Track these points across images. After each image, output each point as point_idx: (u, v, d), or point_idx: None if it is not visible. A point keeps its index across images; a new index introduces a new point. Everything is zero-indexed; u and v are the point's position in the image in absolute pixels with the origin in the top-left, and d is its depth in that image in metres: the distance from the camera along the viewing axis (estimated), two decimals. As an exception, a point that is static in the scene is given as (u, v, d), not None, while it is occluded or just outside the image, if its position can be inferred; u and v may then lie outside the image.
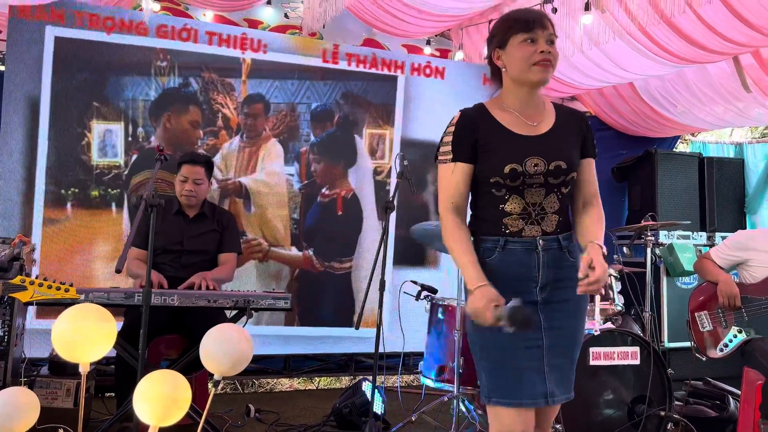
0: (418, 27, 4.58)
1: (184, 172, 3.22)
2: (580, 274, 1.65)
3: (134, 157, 4.06)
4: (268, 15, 4.67)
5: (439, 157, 1.80)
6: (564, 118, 1.84)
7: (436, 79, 4.76)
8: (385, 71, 4.60)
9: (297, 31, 4.67)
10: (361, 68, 4.56)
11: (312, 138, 4.47)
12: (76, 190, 3.92)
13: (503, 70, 1.79)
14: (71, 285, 2.56)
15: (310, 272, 4.45)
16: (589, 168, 1.85)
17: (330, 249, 4.49)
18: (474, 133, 1.76)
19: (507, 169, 1.71)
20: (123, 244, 3.83)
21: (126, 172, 4.05)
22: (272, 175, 4.37)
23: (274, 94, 4.37)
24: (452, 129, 1.78)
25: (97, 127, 3.97)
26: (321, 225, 4.49)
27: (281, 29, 4.67)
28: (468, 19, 4.68)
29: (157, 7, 4.22)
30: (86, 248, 3.91)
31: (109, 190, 3.98)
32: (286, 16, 4.74)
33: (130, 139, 4.04)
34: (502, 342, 1.70)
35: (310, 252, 4.44)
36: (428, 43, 5.02)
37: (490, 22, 4.48)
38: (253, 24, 4.65)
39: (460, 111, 1.81)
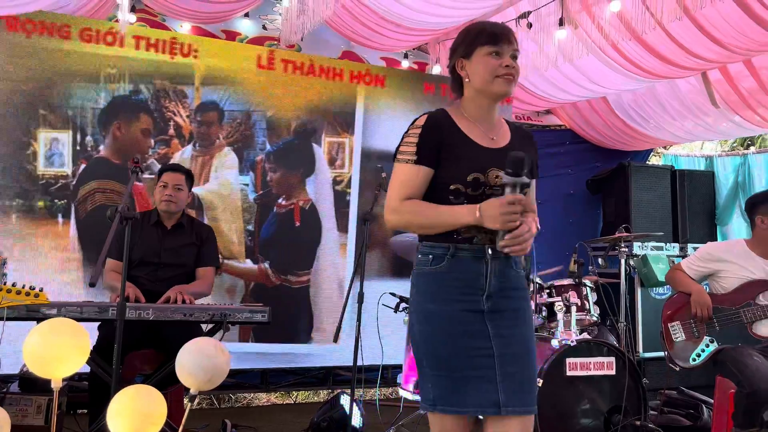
0: (395, 40, 4.62)
1: (164, 179, 3.20)
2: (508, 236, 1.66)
3: (82, 166, 3.92)
4: (246, 27, 4.67)
5: (400, 156, 1.77)
6: (518, 137, 1.87)
7: (383, 88, 4.72)
8: (338, 80, 4.55)
9: (275, 42, 4.68)
10: (323, 77, 4.51)
11: (268, 147, 4.39)
12: (21, 201, 3.77)
13: (466, 80, 1.81)
14: (41, 290, 2.52)
15: (265, 286, 4.32)
16: (533, 188, 1.89)
17: (287, 261, 4.37)
18: (440, 138, 1.75)
19: (470, 177, 1.72)
20: (70, 256, 3.81)
21: (74, 182, 3.90)
22: (226, 185, 4.25)
23: (228, 101, 4.30)
24: (418, 131, 1.76)
25: (44, 136, 3.84)
26: (277, 237, 4.36)
27: (259, 41, 4.67)
28: (445, 33, 4.74)
29: (133, 18, 4.20)
30: (32, 261, 3.77)
31: (56, 201, 3.85)
32: (264, 27, 4.75)
33: (78, 147, 3.91)
34: (449, 350, 1.70)
35: (266, 265, 4.32)
36: (406, 56, 5.07)
37: (466, 36, 4.53)
38: (231, 36, 4.65)
39: (427, 113, 1.80)
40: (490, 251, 1.73)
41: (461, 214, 1.69)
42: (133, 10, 4.17)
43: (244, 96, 4.33)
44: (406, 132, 1.80)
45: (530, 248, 1.72)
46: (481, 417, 1.78)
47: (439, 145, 1.75)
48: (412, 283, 1.82)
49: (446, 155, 1.74)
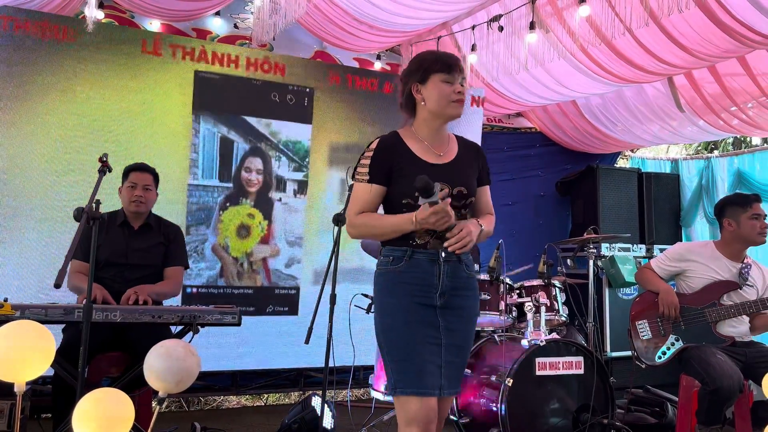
0: (368, 42, 4.63)
1: (132, 179, 3.13)
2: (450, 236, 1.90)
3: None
4: (217, 25, 4.62)
5: (357, 177, 2.03)
6: (465, 151, 2.11)
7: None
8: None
9: (247, 41, 4.64)
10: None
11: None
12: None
13: (422, 103, 2.04)
14: (5, 300, 2.46)
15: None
16: (485, 193, 2.16)
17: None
18: (390, 160, 1.99)
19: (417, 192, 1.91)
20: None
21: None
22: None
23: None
24: (370, 154, 2.00)
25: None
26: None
27: (231, 40, 4.62)
28: (417, 35, 4.76)
29: (101, 15, 4.12)
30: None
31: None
32: (235, 26, 4.70)
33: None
34: (407, 338, 1.93)
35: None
36: (378, 57, 5.08)
37: (438, 38, 4.57)
38: (202, 34, 4.59)
39: (379, 138, 2.04)
40: (443, 254, 1.97)
41: (403, 222, 1.93)
42: (101, 6, 4.09)
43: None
44: (361, 154, 2.05)
45: (473, 246, 1.95)
46: None
47: (390, 166, 1.99)
48: (375, 281, 2.05)
49: (397, 174, 1.99)
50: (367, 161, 2.00)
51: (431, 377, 1.90)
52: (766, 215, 3.24)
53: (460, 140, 2.15)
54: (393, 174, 1.99)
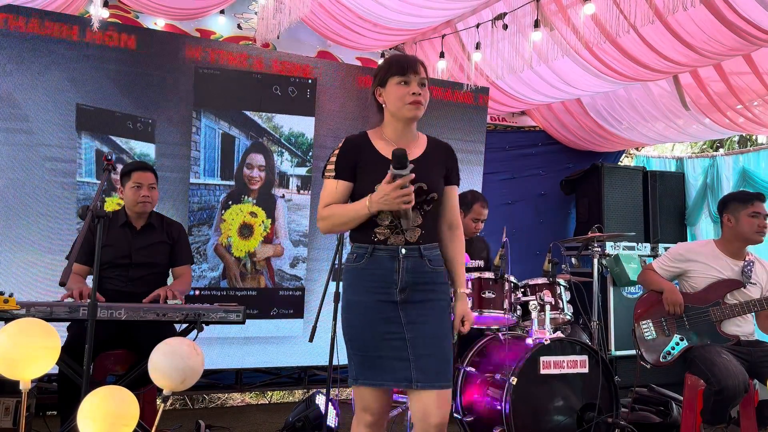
0: (372, 40, 4.62)
1: (136, 179, 3.10)
2: (455, 330, 2.14)
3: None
4: (220, 25, 4.62)
5: (325, 174, 2.11)
6: (432, 150, 2.16)
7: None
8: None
9: (250, 42, 4.64)
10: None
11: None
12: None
13: (384, 105, 2.11)
14: (11, 295, 2.46)
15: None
16: (453, 194, 2.20)
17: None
18: (355, 157, 2.08)
19: (376, 187, 1.99)
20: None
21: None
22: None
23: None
24: (337, 152, 2.10)
25: None
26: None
27: (234, 40, 4.63)
28: (421, 33, 4.76)
29: (106, 14, 4.12)
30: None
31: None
32: (239, 26, 4.71)
33: None
34: (367, 335, 2.03)
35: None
36: (382, 56, 5.07)
37: (442, 36, 4.57)
38: (206, 34, 4.60)
39: (346, 138, 2.14)
40: (403, 251, 2.04)
41: (358, 206, 2.02)
42: (106, 5, 4.10)
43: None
44: (331, 153, 2.13)
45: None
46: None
47: (355, 163, 2.08)
48: (342, 278, 2.15)
49: (360, 171, 2.07)
50: (333, 158, 2.09)
51: (390, 370, 2.00)
52: (766, 214, 3.23)
53: (432, 140, 2.20)
54: (357, 171, 2.07)
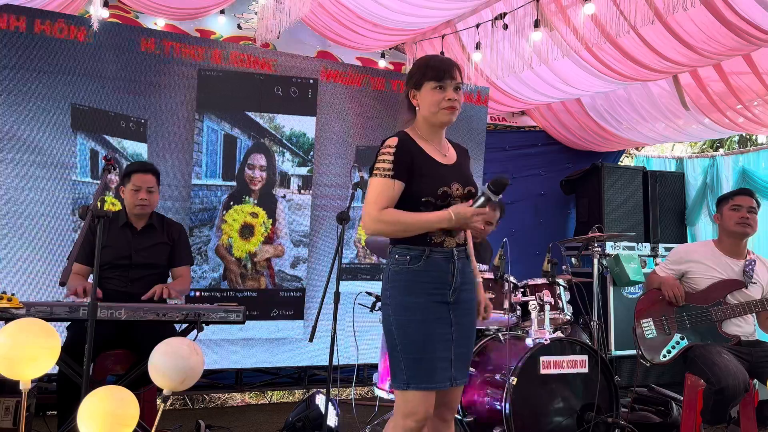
0: (372, 40, 4.62)
1: (136, 182, 3.10)
2: (480, 317, 2.21)
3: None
4: (220, 25, 4.62)
5: (377, 172, 2.03)
6: (460, 154, 2.21)
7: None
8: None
9: (250, 42, 4.64)
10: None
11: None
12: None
13: (417, 108, 2.11)
14: (13, 294, 2.46)
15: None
16: None
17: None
18: (411, 157, 2.03)
19: (440, 191, 2.02)
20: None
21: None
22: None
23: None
24: (392, 150, 2.02)
25: None
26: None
27: (234, 40, 4.63)
28: (421, 33, 4.76)
29: (106, 14, 4.12)
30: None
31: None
32: (239, 26, 4.71)
33: None
34: (423, 336, 2.00)
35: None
36: (383, 56, 5.07)
37: (443, 36, 4.57)
38: (206, 34, 4.60)
39: (398, 137, 2.06)
40: (456, 253, 2.06)
41: (438, 219, 1.99)
42: (106, 5, 4.10)
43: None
44: (379, 151, 2.06)
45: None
46: None
47: (411, 164, 2.02)
48: (388, 279, 2.08)
49: (417, 172, 2.03)
50: (390, 157, 2.01)
51: (442, 373, 2.01)
52: (751, 207, 3.23)
53: (453, 143, 2.23)
54: (414, 172, 2.03)
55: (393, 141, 2.04)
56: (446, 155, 2.14)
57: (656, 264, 4.24)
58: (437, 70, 2.05)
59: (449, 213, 1.97)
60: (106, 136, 3.95)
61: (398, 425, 2.01)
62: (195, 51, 4.15)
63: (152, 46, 4.03)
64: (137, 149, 4.02)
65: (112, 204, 3.78)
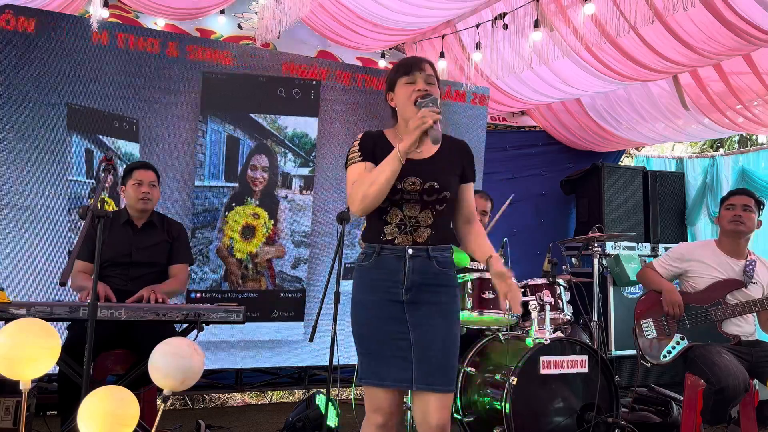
0: (372, 40, 4.62)
1: (137, 177, 3.12)
2: (502, 299, 2.09)
3: None
4: (220, 25, 4.62)
5: (349, 162, 2.10)
6: (448, 148, 2.13)
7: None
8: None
9: (251, 42, 4.64)
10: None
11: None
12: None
13: (396, 109, 2.12)
14: (2, 289, 2.47)
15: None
16: (469, 191, 2.18)
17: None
18: (372, 145, 2.09)
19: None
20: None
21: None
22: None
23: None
24: (358, 141, 2.11)
25: None
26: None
27: (234, 39, 4.63)
28: (421, 33, 4.76)
29: (106, 14, 4.12)
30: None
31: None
32: (239, 26, 4.71)
33: None
34: (372, 333, 2.04)
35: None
36: (383, 55, 5.08)
37: (442, 36, 4.57)
38: (206, 34, 4.60)
39: (364, 132, 2.14)
40: (410, 251, 2.03)
41: (391, 159, 1.95)
42: (105, 5, 4.10)
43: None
44: (349, 149, 2.13)
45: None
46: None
47: (373, 149, 2.07)
48: (353, 276, 2.13)
49: (377, 162, 2.03)
50: (356, 147, 2.10)
51: (395, 371, 2.00)
52: (745, 205, 3.23)
53: (446, 138, 2.14)
54: (375, 161, 2.04)
55: (359, 135, 2.14)
56: (420, 151, 2.06)
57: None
58: (406, 66, 2.09)
59: (396, 147, 1.95)
60: (101, 136, 3.95)
61: (368, 419, 2.09)
62: (201, 51, 4.16)
63: (152, 46, 4.04)
64: (130, 149, 4.01)
65: (107, 203, 3.78)
